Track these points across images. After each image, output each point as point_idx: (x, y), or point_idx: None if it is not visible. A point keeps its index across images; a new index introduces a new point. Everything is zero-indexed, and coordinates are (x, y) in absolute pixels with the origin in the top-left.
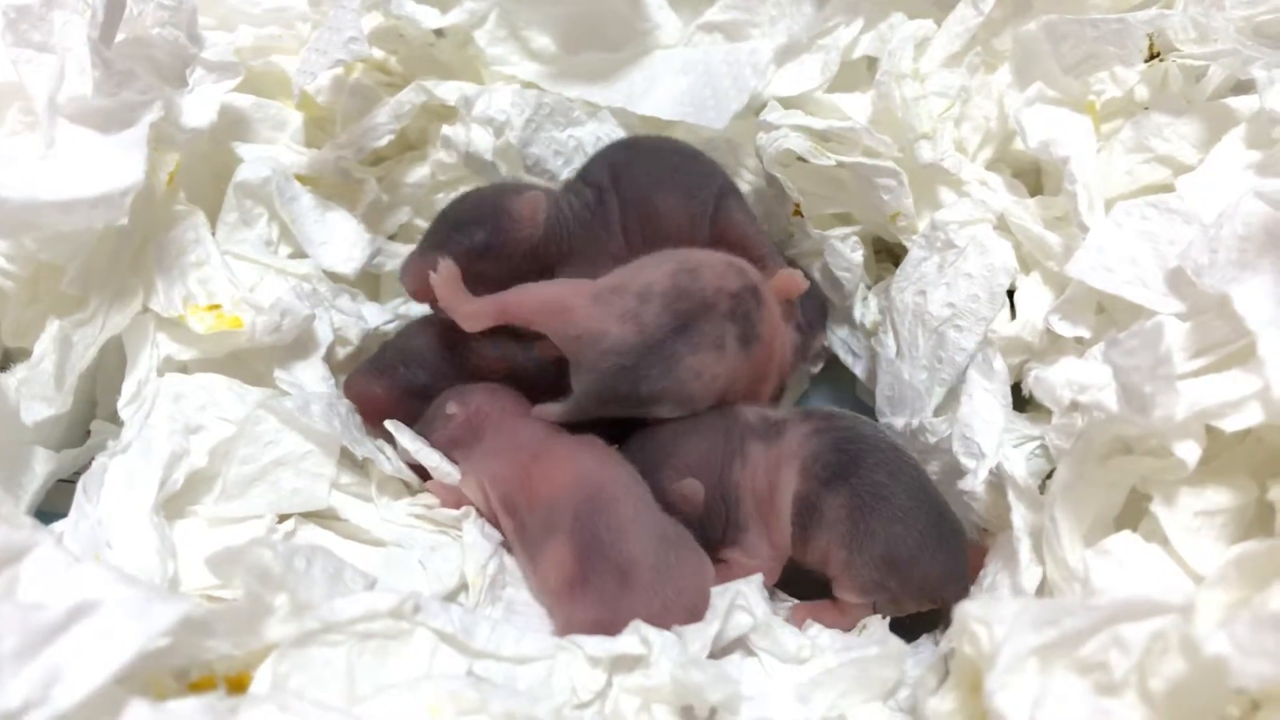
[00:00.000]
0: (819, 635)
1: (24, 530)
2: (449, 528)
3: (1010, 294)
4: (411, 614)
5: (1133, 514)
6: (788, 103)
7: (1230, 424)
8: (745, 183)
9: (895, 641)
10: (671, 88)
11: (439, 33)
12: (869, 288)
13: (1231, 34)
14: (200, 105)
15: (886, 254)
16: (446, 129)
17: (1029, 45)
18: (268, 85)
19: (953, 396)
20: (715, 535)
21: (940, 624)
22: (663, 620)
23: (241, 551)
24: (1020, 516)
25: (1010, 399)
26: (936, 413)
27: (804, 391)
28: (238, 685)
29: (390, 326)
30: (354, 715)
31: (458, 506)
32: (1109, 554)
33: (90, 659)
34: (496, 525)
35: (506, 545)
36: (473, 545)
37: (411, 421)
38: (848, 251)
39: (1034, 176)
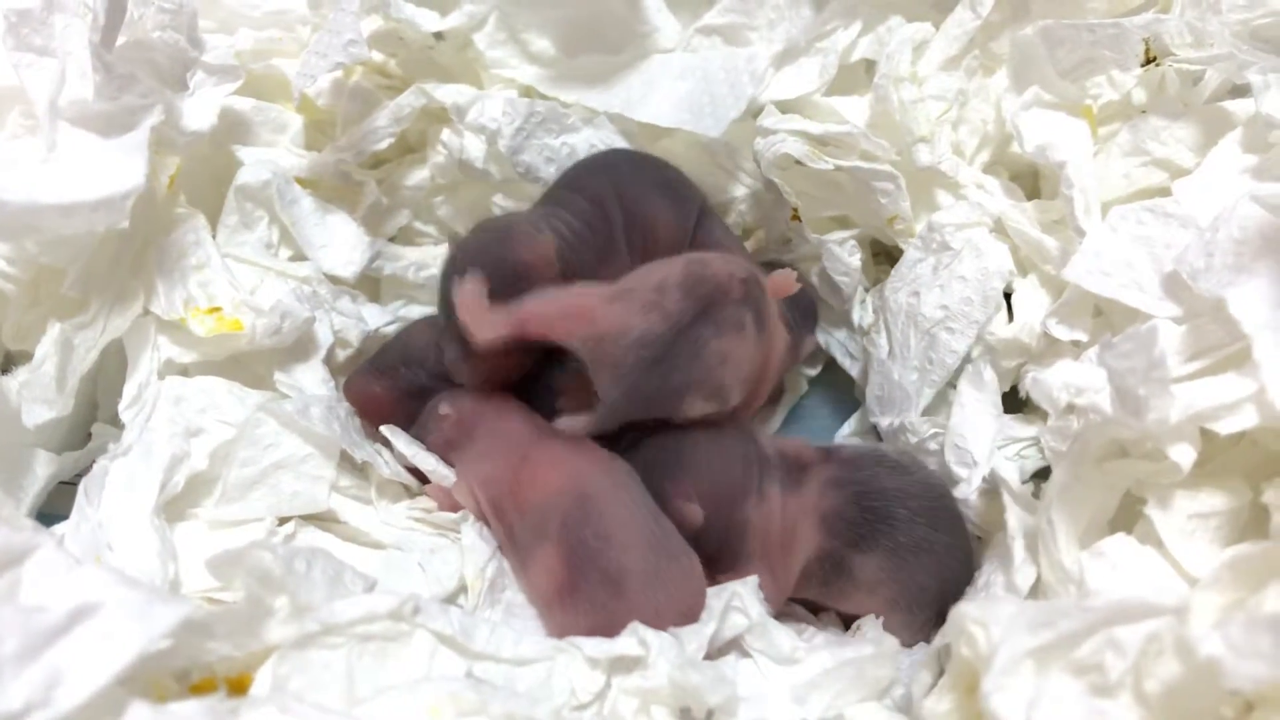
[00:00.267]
0: (814, 636)
1: (25, 532)
2: (448, 530)
3: (1007, 297)
4: (411, 616)
5: (1127, 516)
6: (786, 106)
7: (1225, 427)
8: (743, 186)
9: (890, 640)
10: (669, 94)
11: (438, 36)
12: (866, 290)
13: (1228, 39)
14: (201, 108)
15: (884, 256)
16: (444, 134)
17: (1026, 49)
18: (268, 88)
19: (941, 398)
20: (709, 551)
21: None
22: (656, 625)
23: (242, 554)
24: (1015, 517)
25: (1001, 407)
26: (924, 414)
27: (802, 394)
28: (238, 687)
29: (391, 329)
30: (354, 717)
31: (455, 510)
32: (1104, 556)
33: (91, 661)
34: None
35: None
36: (471, 548)
37: (412, 423)
38: (845, 256)
39: (1031, 180)
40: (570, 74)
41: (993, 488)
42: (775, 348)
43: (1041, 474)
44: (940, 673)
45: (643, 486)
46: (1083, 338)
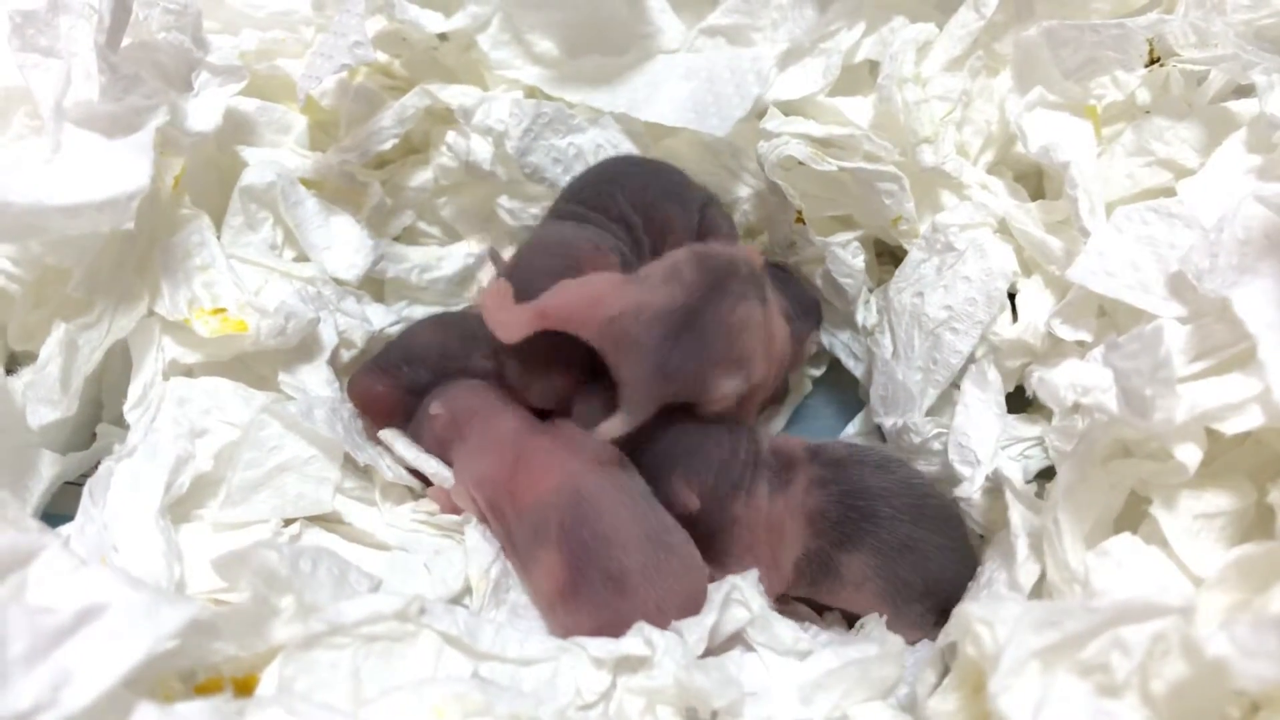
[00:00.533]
0: (818, 635)
1: (31, 533)
2: (452, 532)
3: (1012, 297)
4: (417, 616)
5: (1133, 516)
6: (789, 107)
7: (1230, 427)
8: (747, 186)
9: (894, 640)
10: (674, 94)
11: (442, 37)
12: (870, 291)
13: (1231, 39)
14: (205, 109)
15: (889, 257)
16: (449, 135)
17: (1030, 50)
18: (272, 89)
19: (945, 399)
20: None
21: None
22: (660, 619)
23: (247, 554)
24: (1018, 515)
25: (1004, 407)
26: (928, 414)
27: (807, 394)
28: (244, 687)
29: (395, 329)
30: (360, 717)
31: (457, 513)
32: (1109, 556)
33: (98, 662)
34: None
35: None
36: (475, 549)
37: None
38: (849, 258)
39: (1035, 180)
40: (574, 75)
41: (995, 487)
42: (778, 332)
43: (1045, 474)
44: (945, 672)
45: (638, 476)
46: (1087, 338)
